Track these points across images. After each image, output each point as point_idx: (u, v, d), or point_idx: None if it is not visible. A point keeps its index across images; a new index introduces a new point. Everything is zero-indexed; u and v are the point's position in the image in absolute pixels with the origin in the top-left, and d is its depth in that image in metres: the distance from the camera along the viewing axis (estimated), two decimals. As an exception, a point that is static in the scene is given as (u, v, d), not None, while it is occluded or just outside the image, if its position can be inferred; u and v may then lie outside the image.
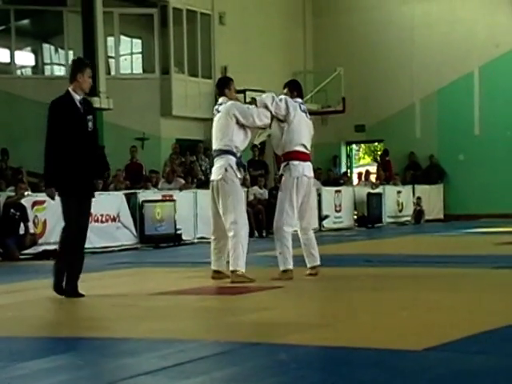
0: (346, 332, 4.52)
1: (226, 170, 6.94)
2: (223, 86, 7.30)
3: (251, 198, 14.78)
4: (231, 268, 6.83)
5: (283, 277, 6.92)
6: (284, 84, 7.50)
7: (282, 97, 7.14)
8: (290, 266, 6.99)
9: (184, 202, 13.49)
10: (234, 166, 6.95)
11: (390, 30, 20.77)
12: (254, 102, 7.09)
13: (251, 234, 14.34)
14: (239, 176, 7.00)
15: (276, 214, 7.10)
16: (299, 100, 7.29)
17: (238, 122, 6.99)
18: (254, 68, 18.69)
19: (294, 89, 7.32)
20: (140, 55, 18.85)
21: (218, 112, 7.15)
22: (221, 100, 7.23)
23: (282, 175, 7.17)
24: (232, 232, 6.87)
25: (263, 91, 18.60)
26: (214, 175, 7.09)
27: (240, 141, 7.06)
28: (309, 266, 7.23)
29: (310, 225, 7.37)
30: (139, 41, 18.94)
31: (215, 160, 7.14)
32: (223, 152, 7.00)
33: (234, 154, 6.98)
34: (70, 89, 6.36)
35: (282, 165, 7.16)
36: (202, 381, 3.48)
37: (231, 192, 6.93)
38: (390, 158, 20.24)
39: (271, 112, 7.04)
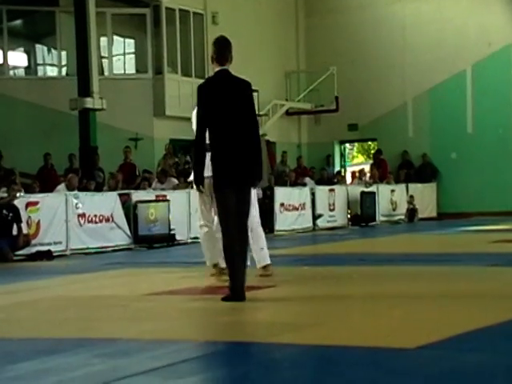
0: (339, 331, 4.52)
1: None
2: None
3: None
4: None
5: (269, 271, 6.99)
6: None
7: None
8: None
9: (178, 202, 13.48)
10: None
11: (381, 30, 20.81)
12: None
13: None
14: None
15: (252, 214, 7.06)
16: None
17: None
18: (246, 68, 18.61)
19: None
20: (133, 55, 18.83)
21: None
22: None
23: None
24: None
25: (256, 91, 18.67)
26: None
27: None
28: (259, 266, 7.16)
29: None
30: (132, 41, 18.92)
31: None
32: None
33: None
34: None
35: None
36: (195, 381, 3.47)
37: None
38: (383, 156, 20.28)
39: None
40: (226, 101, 5.67)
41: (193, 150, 6.79)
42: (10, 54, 17.23)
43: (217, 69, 5.79)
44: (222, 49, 5.82)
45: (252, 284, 5.79)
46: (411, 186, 19.34)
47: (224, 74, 5.77)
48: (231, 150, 5.64)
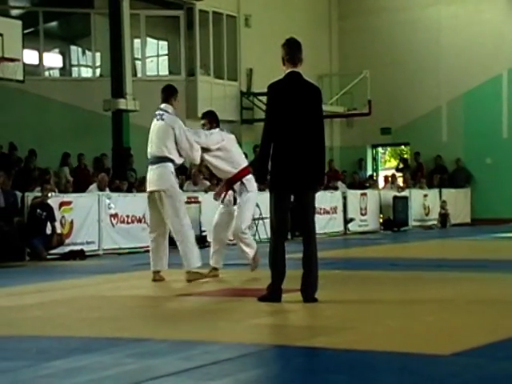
0: (371, 336, 4.48)
1: (168, 179, 7.20)
2: (171, 95, 7.55)
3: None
4: (186, 268, 7.22)
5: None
6: (202, 115, 7.86)
7: (213, 131, 7.54)
8: None
9: (209, 204, 13.47)
10: (174, 173, 7.35)
11: (416, 32, 20.64)
12: None
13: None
14: (178, 182, 7.51)
15: (240, 222, 7.44)
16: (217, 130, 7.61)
17: (175, 140, 7.21)
18: (279, 71, 18.48)
19: (213, 120, 7.67)
20: (166, 57, 18.94)
21: (162, 119, 7.34)
22: (163, 106, 7.48)
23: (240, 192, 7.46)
24: (179, 235, 7.24)
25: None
26: (155, 185, 7.28)
27: (176, 156, 7.33)
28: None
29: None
30: (165, 43, 19.02)
31: (152, 167, 7.33)
32: (161, 159, 7.25)
33: (172, 161, 7.28)
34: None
35: (237, 185, 7.48)
36: (226, 383, 3.46)
37: (176, 199, 7.31)
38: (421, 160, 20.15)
39: (204, 145, 7.35)
40: (296, 104, 5.66)
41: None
42: (46, 55, 17.44)
43: (288, 70, 5.77)
44: (294, 49, 5.83)
45: (283, 287, 5.75)
46: (444, 191, 19.14)
47: (296, 76, 5.76)
48: (294, 153, 5.62)
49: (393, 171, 20.57)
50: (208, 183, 14.67)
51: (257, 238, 13.53)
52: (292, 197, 5.77)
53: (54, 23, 18.28)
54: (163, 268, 7.47)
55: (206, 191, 13.80)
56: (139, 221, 12.36)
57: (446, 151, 20.32)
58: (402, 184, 18.93)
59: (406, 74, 20.53)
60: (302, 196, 5.68)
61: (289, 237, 14.77)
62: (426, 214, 18.61)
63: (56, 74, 18.44)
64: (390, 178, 19.17)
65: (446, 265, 8.53)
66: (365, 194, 17.20)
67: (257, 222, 13.65)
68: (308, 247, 5.67)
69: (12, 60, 12.97)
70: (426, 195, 18.71)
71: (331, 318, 5.16)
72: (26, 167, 14.22)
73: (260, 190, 6.01)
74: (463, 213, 19.72)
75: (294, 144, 5.60)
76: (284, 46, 5.82)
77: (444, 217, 18.64)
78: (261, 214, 12.51)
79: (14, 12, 17.18)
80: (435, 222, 18.60)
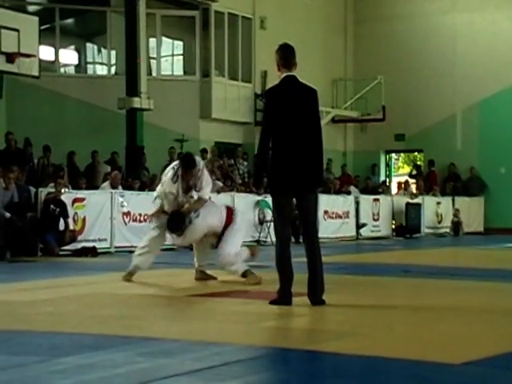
0: (382, 342, 4.45)
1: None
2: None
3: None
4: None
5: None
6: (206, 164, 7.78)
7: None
8: None
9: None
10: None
11: (431, 39, 20.58)
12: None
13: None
14: None
15: (227, 247, 7.33)
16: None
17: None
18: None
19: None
20: (181, 57, 18.99)
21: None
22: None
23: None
24: None
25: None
26: None
27: None
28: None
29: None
30: (180, 43, 19.07)
31: None
32: None
33: None
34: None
35: None
36: (237, 384, 3.45)
37: None
38: (434, 168, 20.05)
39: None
40: (294, 107, 5.70)
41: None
42: (62, 51, 17.52)
43: (284, 74, 5.81)
44: (287, 54, 5.86)
45: (296, 291, 5.75)
46: (458, 199, 19.07)
47: (292, 79, 5.80)
48: (293, 156, 5.64)
49: (406, 177, 20.53)
50: (221, 184, 14.68)
51: (269, 240, 13.55)
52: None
53: (70, 20, 18.36)
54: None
55: (218, 192, 13.80)
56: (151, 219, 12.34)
57: (460, 159, 20.23)
58: (415, 191, 18.88)
59: (420, 80, 20.47)
60: (302, 199, 5.71)
61: (300, 240, 14.94)
62: (439, 222, 18.55)
63: (71, 70, 18.52)
64: (403, 185, 19.13)
65: (459, 273, 8.48)
66: (377, 200, 17.16)
67: (269, 224, 13.67)
68: (312, 250, 5.70)
69: (28, 56, 13.04)
70: (439, 203, 18.65)
71: (342, 323, 5.14)
72: (40, 163, 14.30)
73: (258, 193, 6.00)
74: (476, 221, 19.63)
75: (293, 147, 5.63)
76: (278, 52, 5.88)
77: (457, 225, 18.57)
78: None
79: (31, 8, 17.27)
80: (448, 230, 18.54)
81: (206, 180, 7.47)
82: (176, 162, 7.60)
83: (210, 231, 7.35)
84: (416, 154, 23.52)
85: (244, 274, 7.24)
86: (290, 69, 5.82)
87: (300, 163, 5.63)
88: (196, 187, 7.33)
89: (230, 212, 7.46)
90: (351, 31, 21.78)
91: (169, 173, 7.41)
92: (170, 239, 7.59)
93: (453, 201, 18.98)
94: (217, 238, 7.39)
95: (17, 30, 12.95)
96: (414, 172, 20.52)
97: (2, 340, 4.48)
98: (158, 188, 7.59)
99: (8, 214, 10.70)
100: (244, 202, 14.07)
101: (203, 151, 16.37)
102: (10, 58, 12.82)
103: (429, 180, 19.64)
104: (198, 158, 7.74)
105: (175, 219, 7.18)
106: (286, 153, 5.64)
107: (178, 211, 7.21)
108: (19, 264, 9.95)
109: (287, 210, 5.75)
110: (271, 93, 5.85)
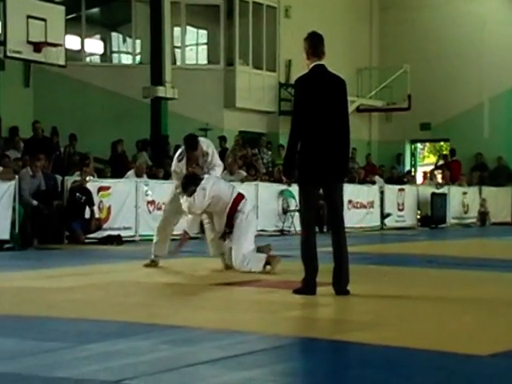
0: (408, 332, 4.43)
1: None
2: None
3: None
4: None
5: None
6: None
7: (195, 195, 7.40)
8: None
9: (246, 194, 13.45)
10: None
11: (458, 27, 20.32)
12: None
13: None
14: None
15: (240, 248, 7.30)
16: None
17: None
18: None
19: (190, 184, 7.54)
20: (205, 46, 18.97)
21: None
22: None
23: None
24: None
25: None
26: None
27: None
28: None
29: None
30: (205, 32, 19.05)
31: None
32: None
33: None
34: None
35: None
36: (261, 373, 3.45)
37: None
38: (457, 157, 19.83)
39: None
40: (324, 97, 5.70)
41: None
42: (87, 41, 17.61)
43: (313, 64, 5.79)
44: (316, 42, 5.83)
45: (319, 280, 5.73)
46: (485, 189, 18.85)
47: (321, 69, 5.78)
48: (322, 146, 5.66)
49: (432, 167, 20.35)
50: (244, 173, 14.67)
51: (292, 229, 13.53)
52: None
53: (95, 9, 18.43)
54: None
55: (242, 181, 13.80)
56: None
57: (487, 148, 20.00)
58: (440, 180, 18.71)
59: (447, 69, 20.24)
60: (330, 189, 5.75)
61: (324, 230, 14.92)
62: (465, 212, 18.36)
63: (97, 60, 18.61)
64: (428, 174, 18.96)
65: (485, 264, 8.40)
66: (402, 190, 17.05)
67: (293, 213, 13.64)
68: (338, 240, 5.71)
69: (55, 45, 13.12)
70: (465, 193, 18.45)
71: (367, 313, 5.12)
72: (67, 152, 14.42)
73: (289, 183, 5.97)
74: (504, 212, 19.37)
75: (322, 138, 5.65)
76: (307, 40, 5.86)
77: (483, 215, 18.36)
78: (297, 205, 12.50)
79: (58, -3, 17.36)
80: (474, 220, 18.34)
81: (215, 162, 7.52)
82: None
83: (217, 203, 7.30)
84: (442, 143, 23.31)
85: (266, 263, 7.22)
86: (320, 57, 5.79)
87: (329, 153, 5.64)
88: (204, 168, 7.40)
89: (241, 196, 7.49)
90: (376, 19, 21.58)
91: (177, 152, 7.65)
92: (183, 206, 7.51)
93: (480, 191, 18.76)
94: (221, 226, 7.35)
95: (44, 20, 13.03)
96: (441, 162, 20.34)
97: (32, 326, 4.55)
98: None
99: (35, 202, 10.81)
100: (268, 192, 14.05)
101: (221, 139, 16.38)
102: (37, 47, 12.91)
103: (452, 169, 19.43)
104: (202, 139, 7.83)
105: (189, 178, 7.32)
106: (316, 143, 5.65)
107: (191, 173, 7.37)
108: (46, 251, 10.06)
109: (315, 199, 5.79)
110: (301, 82, 5.80)
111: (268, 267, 7.19)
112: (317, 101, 5.66)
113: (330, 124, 5.66)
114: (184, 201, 7.38)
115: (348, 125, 5.78)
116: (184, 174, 7.44)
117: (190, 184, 7.27)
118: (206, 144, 7.71)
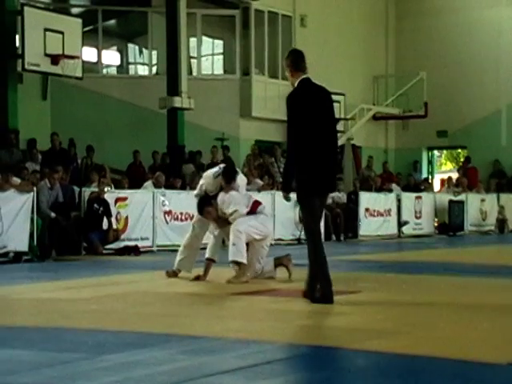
0: (425, 340, 4.42)
1: None
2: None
3: (329, 201, 14.68)
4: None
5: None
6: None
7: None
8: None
9: (263, 202, 13.48)
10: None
11: (475, 34, 20.26)
12: None
13: (328, 237, 14.34)
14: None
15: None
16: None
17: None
18: (334, 71, 18.57)
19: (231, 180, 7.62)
20: (221, 56, 19.06)
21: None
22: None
23: None
24: None
25: (343, 94, 18.53)
26: None
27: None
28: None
29: None
30: (221, 42, 19.14)
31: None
32: None
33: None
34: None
35: None
36: (279, 383, 3.46)
37: None
38: (472, 164, 19.71)
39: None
40: (316, 110, 5.80)
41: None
42: (104, 52, 17.76)
43: (299, 78, 5.87)
44: (298, 58, 5.96)
45: (337, 289, 5.73)
46: (503, 196, 18.71)
47: (309, 82, 5.90)
48: (320, 158, 5.78)
49: (449, 174, 20.22)
50: (261, 182, 14.69)
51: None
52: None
53: (112, 21, 18.60)
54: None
55: (259, 190, 13.82)
56: (192, 218, 12.41)
57: (504, 156, 19.89)
58: (456, 187, 18.59)
59: (464, 76, 20.17)
60: (323, 199, 6.02)
61: (341, 238, 14.83)
62: (483, 219, 18.24)
63: (113, 71, 18.76)
64: (446, 182, 18.85)
65: (503, 272, 8.35)
66: (420, 197, 16.98)
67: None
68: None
69: (72, 57, 13.25)
70: (483, 200, 18.33)
71: (385, 321, 5.11)
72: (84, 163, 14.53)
73: (287, 198, 6.03)
74: (522, 219, 19.21)
75: (320, 149, 5.77)
76: (288, 58, 6.00)
77: (502, 222, 18.23)
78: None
79: (75, 10, 17.55)
80: (492, 228, 18.21)
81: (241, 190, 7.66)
82: (222, 165, 7.87)
83: (233, 205, 7.38)
84: (459, 150, 23.19)
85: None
86: (304, 71, 5.90)
87: (328, 164, 5.81)
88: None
89: (258, 203, 7.65)
90: (393, 27, 21.57)
91: (213, 169, 7.70)
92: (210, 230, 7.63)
93: (498, 198, 18.63)
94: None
95: (61, 33, 13.18)
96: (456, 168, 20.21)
97: (50, 337, 4.57)
98: (200, 183, 7.76)
99: (53, 214, 10.90)
100: (284, 200, 14.02)
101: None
102: (55, 59, 13.05)
103: (468, 177, 19.31)
104: (240, 175, 7.85)
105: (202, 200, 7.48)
106: (316, 155, 5.77)
107: (208, 197, 7.48)
108: (64, 263, 10.12)
109: (319, 209, 5.93)
110: (292, 99, 5.88)
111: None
112: (311, 114, 5.77)
113: (325, 135, 5.81)
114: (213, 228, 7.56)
115: (336, 135, 6.03)
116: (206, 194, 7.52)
117: (204, 204, 7.46)
118: (242, 179, 7.84)
